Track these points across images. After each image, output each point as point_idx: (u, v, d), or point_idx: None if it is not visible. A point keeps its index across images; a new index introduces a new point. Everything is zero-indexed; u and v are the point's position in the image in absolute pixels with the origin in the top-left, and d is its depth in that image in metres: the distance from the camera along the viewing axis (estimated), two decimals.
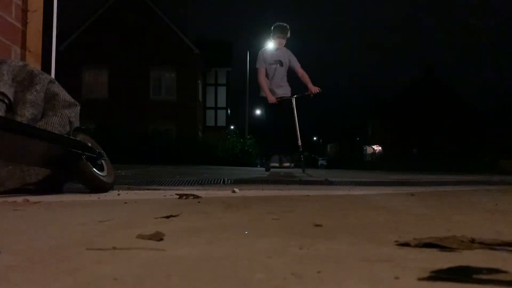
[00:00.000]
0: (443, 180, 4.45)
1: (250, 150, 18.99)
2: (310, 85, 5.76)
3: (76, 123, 2.40)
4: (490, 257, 0.70)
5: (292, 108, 5.74)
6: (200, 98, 26.37)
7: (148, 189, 2.66)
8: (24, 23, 2.79)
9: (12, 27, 2.68)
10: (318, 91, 5.71)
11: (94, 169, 2.24)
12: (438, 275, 0.57)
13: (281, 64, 5.85)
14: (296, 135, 5.82)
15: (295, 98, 5.78)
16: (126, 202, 1.68)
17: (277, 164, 5.89)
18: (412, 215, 1.37)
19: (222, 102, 29.97)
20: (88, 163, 2.20)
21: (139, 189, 2.66)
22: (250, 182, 3.91)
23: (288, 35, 5.89)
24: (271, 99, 5.69)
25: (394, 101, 39.70)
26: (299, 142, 5.82)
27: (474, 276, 0.56)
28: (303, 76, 5.84)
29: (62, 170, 2.20)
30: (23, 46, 2.77)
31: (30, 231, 1.00)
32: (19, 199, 1.76)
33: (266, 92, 5.74)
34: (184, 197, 1.90)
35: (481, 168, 13.64)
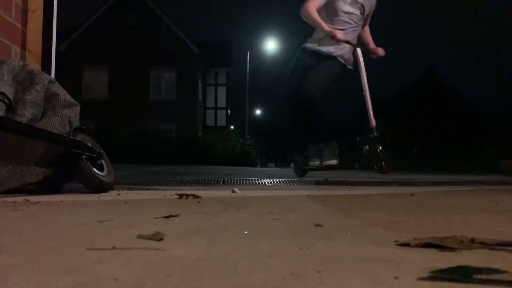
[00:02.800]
0: (443, 180, 4.45)
1: (250, 150, 19.01)
2: (372, 44, 4.08)
3: (76, 123, 2.40)
4: (490, 257, 0.70)
5: (359, 63, 3.92)
6: (200, 98, 26.38)
7: (148, 189, 2.66)
8: (24, 23, 2.79)
9: (12, 27, 2.68)
10: (383, 54, 4.00)
11: (94, 169, 2.24)
12: (438, 275, 0.57)
13: (362, 10, 3.99)
14: (368, 109, 3.80)
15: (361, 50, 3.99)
16: (126, 202, 1.68)
17: (317, 162, 4.06)
18: (412, 215, 1.37)
19: (222, 102, 29.99)
20: (88, 163, 2.20)
21: (139, 189, 2.66)
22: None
23: None
24: (341, 35, 3.78)
25: (394, 101, 39.70)
26: (373, 123, 3.74)
27: (474, 276, 0.56)
28: (366, 31, 4.16)
29: (62, 170, 2.20)
30: (23, 46, 2.78)
31: (30, 231, 1.00)
32: (19, 199, 1.76)
33: (325, 27, 3.81)
34: (184, 197, 1.90)
35: (481, 168, 13.65)
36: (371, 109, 3.81)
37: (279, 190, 2.78)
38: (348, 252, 0.75)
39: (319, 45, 4.05)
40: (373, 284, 0.54)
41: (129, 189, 2.64)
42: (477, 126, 35.30)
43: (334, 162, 3.86)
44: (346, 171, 10.21)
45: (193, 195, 1.94)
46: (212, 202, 1.76)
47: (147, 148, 15.80)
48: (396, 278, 0.56)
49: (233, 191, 2.41)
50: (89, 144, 2.29)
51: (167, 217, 1.19)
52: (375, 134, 3.74)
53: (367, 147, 3.95)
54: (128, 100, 22.70)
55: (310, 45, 4.14)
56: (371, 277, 0.57)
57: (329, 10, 4.03)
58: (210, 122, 29.49)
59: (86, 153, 2.19)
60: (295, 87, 4.02)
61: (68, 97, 2.40)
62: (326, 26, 3.87)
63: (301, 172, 4.44)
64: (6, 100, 2.10)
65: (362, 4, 4.03)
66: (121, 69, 23.17)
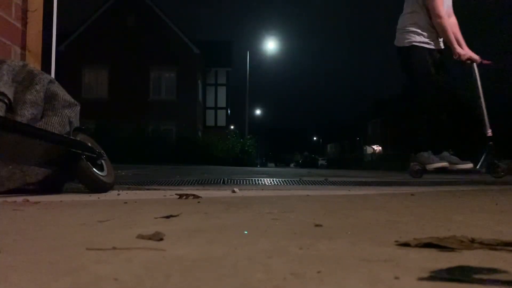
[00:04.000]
0: (443, 180, 4.45)
1: (250, 150, 19.03)
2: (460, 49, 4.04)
3: (76, 123, 2.41)
4: (490, 257, 0.70)
5: (475, 77, 4.09)
6: (200, 98, 26.40)
7: (148, 189, 2.66)
8: (24, 23, 2.79)
9: (12, 27, 2.68)
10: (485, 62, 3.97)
11: (94, 169, 2.25)
12: (438, 275, 0.57)
13: None
14: (484, 118, 3.99)
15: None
16: (126, 202, 1.68)
17: (446, 164, 4.01)
18: (412, 215, 1.37)
19: (222, 102, 30.00)
20: (88, 163, 2.21)
21: (139, 189, 2.66)
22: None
23: None
24: (476, 57, 3.93)
25: (394, 101, 39.68)
26: (489, 132, 4.00)
27: (474, 276, 0.56)
28: (453, 25, 4.10)
29: (62, 170, 2.20)
30: (23, 46, 2.78)
31: (30, 231, 1.00)
32: (19, 199, 1.76)
33: (457, 47, 3.96)
34: (184, 197, 1.90)
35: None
36: (487, 119, 4.04)
37: (279, 190, 2.78)
38: (348, 252, 0.75)
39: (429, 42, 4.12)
40: (373, 284, 0.54)
41: (129, 189, 2.65)
42: (476, 125, 35.26)
43: (470, 165, 3.95)
44: (346, 171, 10.23)
45: (193, 195, 1.94)
46: (212, 202, 1.76)
47: (147, 148, 15.82)
48: (396, 278, 0.56)
49: (233, 191, 2.41)
50: (89, 144, 2.29)
51: (167, 217, 1.19)
52: (490, 142, 4.00)
53: (485, 154, 4.13)
54: (128, 100, 22.70)
55: (425, 42, 4.13)
56: (371, 277, 0.57)
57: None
58: (210, 122, 29.50)
59: (86, 153, 2.19)
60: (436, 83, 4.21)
61: (68, 97, 2.40)
62: (457, 45, 4.00)
63: (419, 174, 4.34)
64: (6, 100, 2.10)
65: None
66: (121, 69, 23.17)
